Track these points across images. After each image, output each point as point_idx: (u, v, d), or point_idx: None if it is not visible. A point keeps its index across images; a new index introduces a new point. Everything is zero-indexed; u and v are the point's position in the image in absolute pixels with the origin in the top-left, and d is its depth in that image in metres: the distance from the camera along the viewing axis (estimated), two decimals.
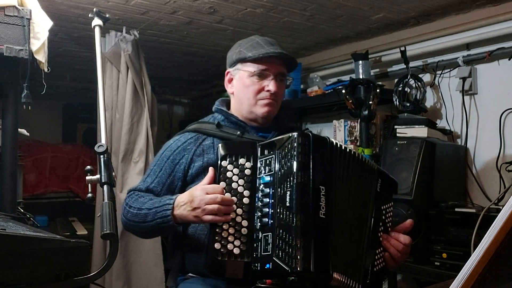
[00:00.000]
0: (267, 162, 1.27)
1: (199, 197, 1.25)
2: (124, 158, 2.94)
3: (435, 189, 2.26)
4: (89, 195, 1.18)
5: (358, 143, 2.85)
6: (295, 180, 1.18)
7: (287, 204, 1.18)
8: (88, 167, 1.18)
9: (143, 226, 1.38)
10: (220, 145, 1.33)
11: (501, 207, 1.72)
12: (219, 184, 1.27)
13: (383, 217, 1.37)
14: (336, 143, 1.29)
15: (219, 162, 1.30)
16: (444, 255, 2.07)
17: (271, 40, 1.57)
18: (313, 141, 1.23)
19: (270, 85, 1.49)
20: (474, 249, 0.66)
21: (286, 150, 1.24)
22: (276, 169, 1.24)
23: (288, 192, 1.19)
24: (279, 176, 1.23)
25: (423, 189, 2.20)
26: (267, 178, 1.25)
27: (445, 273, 2.03)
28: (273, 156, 1.26)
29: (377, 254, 1.33)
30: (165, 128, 4.65)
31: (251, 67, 1.51)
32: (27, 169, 3.92)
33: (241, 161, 1.29)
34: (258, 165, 1.29)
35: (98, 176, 1.18)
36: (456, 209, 2.12)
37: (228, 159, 1.29)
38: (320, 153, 1.24)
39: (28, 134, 1.97)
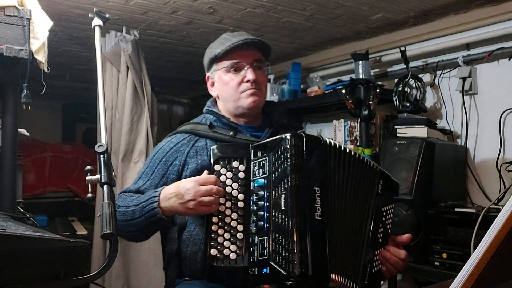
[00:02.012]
0: (261, 164, 1.26)
1: (193, 189, 1.23)
2: (124, 158, 2.94)
3: (435, 189, 2.26)
4: (89, 195, 1.18)
5: (358, 143, 2.85)
6: (289, 182, 1.17)
7: (282, 208, 1.17)
8: (88, 167, 1.17)
9: (132, 224, 1.34)
10: (212, 148, 1.31)
11: (501, 207, 1.72)
12: None
13: (383, 218, 1.35)
14: (331, 143, 1.28)
15: (212, 166, 1.28)
16: (444, 255, 2.07)
17: (239, 32, 1.54)
18: (306, 142, 1.22)
19: (248, 74, 1.46)
20: (474, 249, 0.66)
21: (279, 152, 1.22)
22: (269, 171, 1.23)
23: (283, 195, 1.18)
24: (273, 179, 1.21)
25: (423, 189, 2.20)
26: (261, 181, 1.24)
27: (445, 273, 2.03)
28: (267, 158, 1.25)
29: (375, 255, 1.32)
30: (165, 128, 4.65)
31: (224, 63, 1.49)
32: (27, 169, 3.92)
33: (235, 164, 1.28)
34: (252, 167, 1.27)
35: (98, 176, 1.18)
36: (456, 209, 2.12)
37: (221, 163, 1.28)
38: (314, 154, 1.23)
39: (28, 134, 1.97)
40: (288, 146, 1.20)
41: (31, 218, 1.58)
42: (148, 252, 2.90)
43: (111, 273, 2.88)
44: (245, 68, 1.48)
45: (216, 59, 1.52)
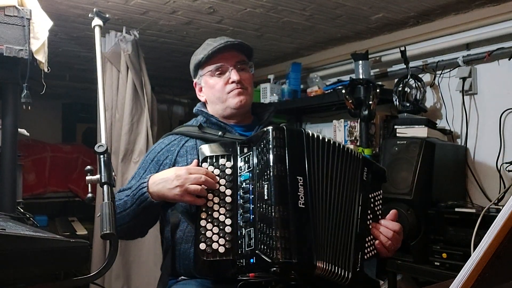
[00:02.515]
0: (246, 159, 1.30)
1: (183, 175, 1.27)
2: (124, 158, 2.94)
3: (435, 189, 2.26)
4: (89, 195, 1.18)
5: (358, 143, 2.85)
6: (271, 173, 1.21)
7: (266, 197, 1.20)
8: (88, 167, 1.17)
9: (125, 215, 1.36)
10: (200, 147, 1.36)
11: (501, 207, 1.73)
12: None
13: (372, 205, 1.38)
14: (313, 134, 1.31)
15: (200, 164, 1.32)
16: (444, 255, 2.07)
17: (221, 37, 1.59)
18: (287, 134, 1.26)
19: (232, 75, 1.53)
20: (474, 249, 0.66)
21: (262, 145, 1.26)
22: (254, 165, 1.27)
23: (266, 185, 1.21)
24: (258, 171, 1.25)
25: (423, 189, 2.20)
26: (247, 174, 1.28)
27: (445, 273, 2.03)
28: (251, 152, 1.29)
29: (367, 242, 1.33)
30: (165, 128, 4.64)
31: (209, 68, 1.56)
32: (27, 169, 3.91)
33: (222, 161, 1.32)
34: (239, 163, 1.31)
35: (98, 176, 1.18)
36: (456, 209, 2.12)
37: (208, 161, 1.32)
38: (296, 145, 1.27)
39: (28, 134, 1.97)
40: (270, 139, 1.24)
41: (31, 218, 1.58)
42: (148, 252, 2.90)
43: (111, 273, 2.88)
44: (229, 70, 1.54)
45: (200, 65, 1.58)
